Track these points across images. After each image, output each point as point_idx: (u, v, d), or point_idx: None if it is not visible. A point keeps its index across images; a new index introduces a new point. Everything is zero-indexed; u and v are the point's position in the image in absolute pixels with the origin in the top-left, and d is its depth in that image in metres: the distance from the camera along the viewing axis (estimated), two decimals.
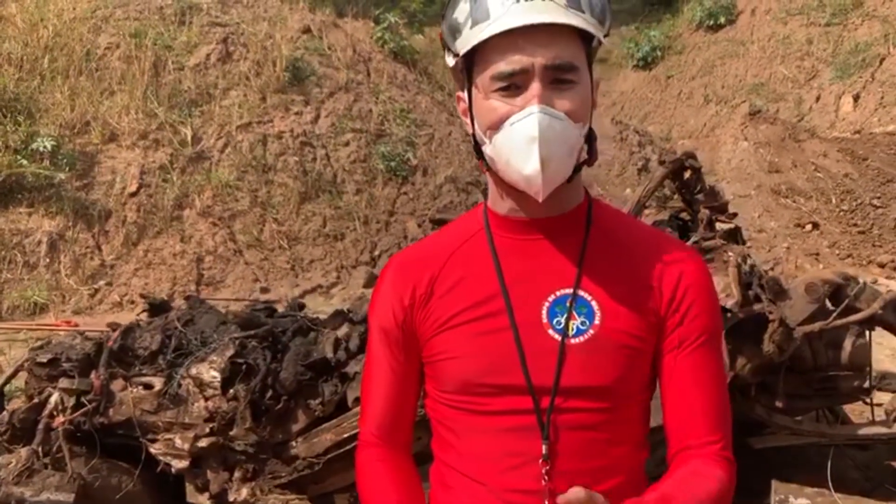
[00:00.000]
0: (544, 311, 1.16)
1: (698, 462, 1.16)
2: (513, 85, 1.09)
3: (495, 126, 1.11)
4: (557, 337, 1.14)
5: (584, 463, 1.14)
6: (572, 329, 1.14)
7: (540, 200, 1.12)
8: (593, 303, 1.16)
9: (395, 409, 1.26)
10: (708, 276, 1.22)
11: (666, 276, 1.17)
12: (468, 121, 1.19)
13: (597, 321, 1.15)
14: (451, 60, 1.16)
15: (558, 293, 1.16)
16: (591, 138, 1.16)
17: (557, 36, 1.08)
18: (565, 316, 1.15)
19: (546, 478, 1.13)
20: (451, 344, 1.18)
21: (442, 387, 1.21)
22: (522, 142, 1.08)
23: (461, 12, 1.11)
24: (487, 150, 1.15)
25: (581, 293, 1.16)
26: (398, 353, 1.24)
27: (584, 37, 1.12)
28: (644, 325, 1.16)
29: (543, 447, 1.13)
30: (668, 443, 1.21)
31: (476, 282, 1.19)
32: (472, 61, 1.13)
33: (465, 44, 1.11)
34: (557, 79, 1.09)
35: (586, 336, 1.14)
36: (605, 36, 1.13)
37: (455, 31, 1.12)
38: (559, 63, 1.08)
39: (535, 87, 1.08)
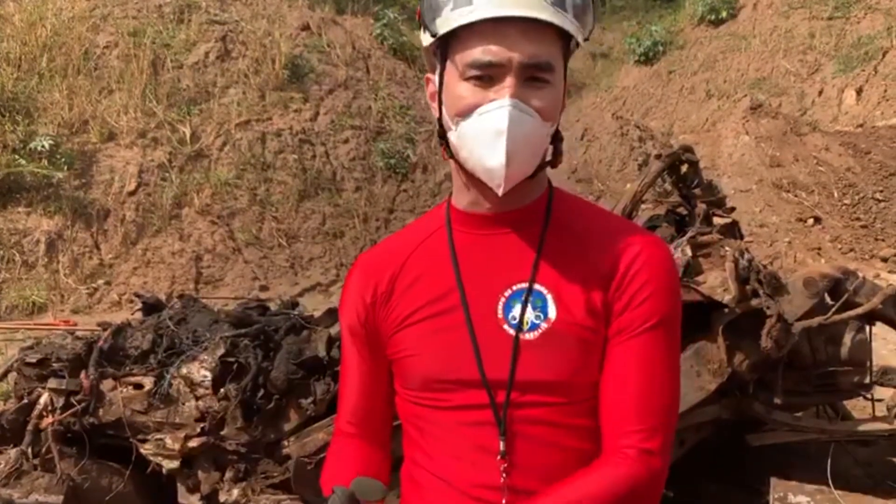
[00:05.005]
0: (500, 306, 1.14)
1: (607, 459, 1.11)
2: (487, 76, 1.07)
3: (464, 114, 1.09)
4: (512, 332, 1.13)
5: (542, 457, 1.13)
6: (527, 323, 1.13)
7: (500, 194, 1.10)
8: (549, 296, 1.14)
9: (366, 406, 1.27)
10: (660, 258, 1.16)
11: (619, 263, 1.14)
12: (435, 105, 1.17)
13: (552, 315, 1.13)
14: (426, 39, 1.13)
15: (515, 287, 1.15)
16: (556, 139, 1.14)
17: (539, 33, 1.06)
18: (520, 310, 1.13)
19: (504, 473, 1.12)
20: (410, 341, 1.18)
21: (406, 384, 1.21)
22: (490, 133, 1.06)
23: None
24: (452, 136, 1.13)
25: (537, 286, 1.14)
26: (364, 352, 1.25)
27: (564, 37, 1.10)
28: (595, 314, 1.13)
29: (501, 443, 1.12)
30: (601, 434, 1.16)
31: (434, 278, 1.18)
32: (448, 45, 1.11)
33: (443, 25, 1.08)
34: (533, 76, 1.07)
35: (540, 330, 1.12)
36: (585, 40, 1.12)
37: (435, 10, 1.09)
38: (537, 61, 1.07)
39: (510, 81, 1.06)
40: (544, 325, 1.12)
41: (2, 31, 9.58)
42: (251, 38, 10.47)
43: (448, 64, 1.11)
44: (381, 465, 1.26)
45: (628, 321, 1.12)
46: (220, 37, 10.37)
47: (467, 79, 1.08)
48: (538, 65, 1.07)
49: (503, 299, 1.14)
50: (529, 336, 1.12)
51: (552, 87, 1.09)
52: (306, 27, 11.29)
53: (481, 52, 1.06)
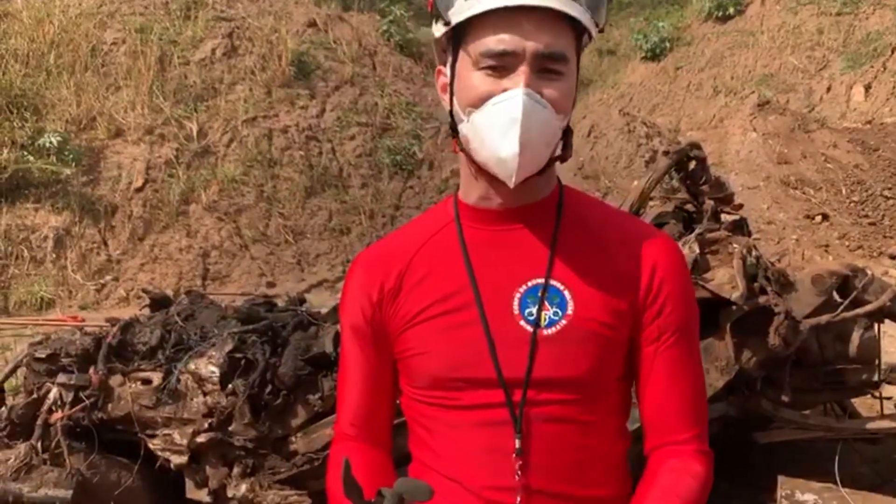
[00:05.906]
0: (516, 302, 1.12)
1: (677, 460, 1.14)
2: (500, 66, 1.06)
3: (476, 104, 1.07)
4: (529, 328, 1.11)
5: (558, 456, 1.11)
6: (544, 319, 1.11)
7: (511, 186, 1.08)
8: (566, 292, 1.12)
9: (369, 406, 1.23)
10: (683, 263, 1.19)
11: (642, 265, 1.14)
12: (446, 97, 1.15)
13: (569, 311, 1.11)
14: (439, 30, 1.11)
15: (530, 283, 1.12)
16: (567, 133, 1.13)
17: (553, 24, 1.05)
18: (537, 306, 1.11)
19: (519, 473, 1.09)
20: (420, 339, 1.15)
21: (414, 383, 1.18)
22: (503, 123, 1.04)
23: None
24: (464, 128, 1.11)
25: (553, 282, 1.12)
26: (368, 351, 1.21)
27: (577, 30, 1.09)
28: (617, 313, 1.12)
29: (516, 441, 1.09)
30: (644, 436, 1.18)
31: (445, 275, 1.15)
32: (461, 35, 1.09)
33: (457, 15, 1.07)
34: (547, 67, 1.06)
35: (559, 326, 1.11)
36: (600, 31, 1.11)
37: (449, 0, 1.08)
38: (551, 52, 1.06)
39: (524, 70, 1.05)
40: (563, 322, 1.10)
41: (10, 28, 9.62)
42: (258, 34, 10.48)
43: (461, 54, 1.10)
44: (387, 469, 1.23)
45: (663, 327, 1.14)
46: (226, 33, 10.39)
47: (480, 69, 1.06)
48: (552, 55, 1.05)
49: (518, 295, 1.12)
50: (548, 332, 1.10)
51: (565, 79, 1.08)
52: (313, 24, 11.30)
53: (495, 42, 1.05)
